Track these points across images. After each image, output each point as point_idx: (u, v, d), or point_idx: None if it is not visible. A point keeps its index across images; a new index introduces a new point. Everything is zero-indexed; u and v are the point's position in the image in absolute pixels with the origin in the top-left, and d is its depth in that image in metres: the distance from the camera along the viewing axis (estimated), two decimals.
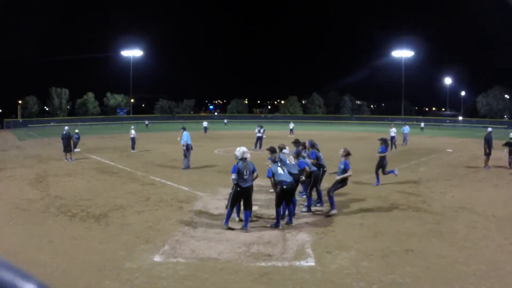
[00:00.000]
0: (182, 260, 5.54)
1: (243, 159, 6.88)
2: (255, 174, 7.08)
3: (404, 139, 23.69)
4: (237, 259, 5.60)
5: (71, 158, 16.64)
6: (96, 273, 5.10)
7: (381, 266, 5.35)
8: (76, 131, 20.20)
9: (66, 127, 17.52)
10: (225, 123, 56.67)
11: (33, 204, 8.95)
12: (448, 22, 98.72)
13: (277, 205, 7.10)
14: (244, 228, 6.88)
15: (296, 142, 9.18)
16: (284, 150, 8.15)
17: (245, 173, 6.76)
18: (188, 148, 14.19)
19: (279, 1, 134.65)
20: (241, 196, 6.88)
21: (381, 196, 9.74)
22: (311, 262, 5.48)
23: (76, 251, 5.95)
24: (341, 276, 5.03)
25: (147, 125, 50.68)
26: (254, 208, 7.85)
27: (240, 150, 6.99)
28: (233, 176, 6.76)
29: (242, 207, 7.44)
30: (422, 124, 45.43)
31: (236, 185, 6.81)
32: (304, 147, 9.06)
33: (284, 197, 7.13)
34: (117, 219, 7.68)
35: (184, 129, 14.81)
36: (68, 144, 16.68)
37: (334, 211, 7.96)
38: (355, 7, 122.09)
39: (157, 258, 5.62)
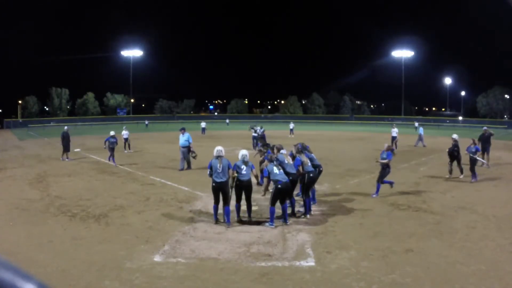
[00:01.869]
0: (182, 260, 5.54)
1: (218, 156, 7.37)
2: (254, 171, 7.54)
3: (420, 140, 23.00)
4: (237, 259, 5.60)
5: (67, 158, 16.67)
6: (96, 273, 5.10)
7: (381, 266, 5.36)
8: (112, 133, 15.49)
9: (66, 127, 17.71)
10: (227, 123, 55.93)
11: (33, 204, 8.95)
12: (448, 22, 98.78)
13: (271, 204, 7.20)
14: (227, 223, 7.16)
15: (266, 145, 9.31)
16: (282, 151, 8.18)
17: (218, 168, 7.21)
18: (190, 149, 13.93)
19: (279, 1, 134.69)
20: (217, 190, 7.25)
21: (381, 196, 9.73)
22: (311, 262, 5.48)
23: (76, 251, 5.95)
24: (341, 276, 5.03)
25: (147, 125, 50.22)
26: (254, 208, 7.88)
27: (216, 149, 7.57)
28: (208, 171, 7.39)
29: (243, 207, 7.54)
30: (416, 124, 45.64)
31: (212, 180, 7.27)
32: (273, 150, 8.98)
33: (279, 196, 7.23)
34: (117, 219, 7.68)
35: (184, 129, 14.44)
36: (68, 143, 16.79)
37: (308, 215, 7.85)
38: (355, 7, 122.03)
39: (157, 258, 5.62)
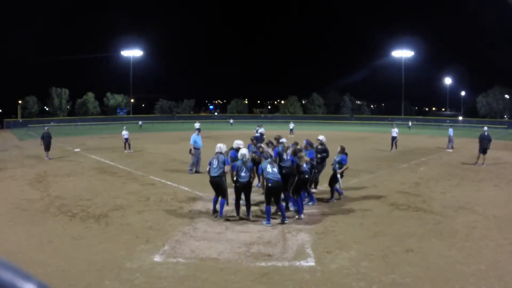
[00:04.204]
0: (182, 260, 5.54)
1: (217, 152, 7.81)
2: (254, 170, 7.78)
3: (450, 142, 21.55)
4: (237, 259, 5.60)
5: (47, 157, 16.86)
6: (96, 273, 5.10)
7: (381, 266, 5.35)
8: (237, 144, 9.16)
9: (46, 127, 18.04)
10: (231, 124, 54.58)
11: (33, 204, 8.94)
12: (448, 22, 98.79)
13: (266, 203, 7.29)
14: (219, 215, 7.48)
15: (270, 143, 9.31)
16: (281, 140, 8.74)
17: (214, 163, 7.65)
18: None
19: (279, 1, 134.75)
20: (212, 185, 7.70)
21: (381, 196, 9.73)
22: (311, 262, 5.48)
23: (76, 251, 5.95)
24: (341, 276, 5.03)
25: (140, 125, 48.05)
26: (254, 208, 7.88)
27: (217, 145, 7.97)
28: (208, 167, 7.80)
29: (243, 206, 7.57)
30: (410, 123, 45.73)
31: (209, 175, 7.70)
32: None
33: (270, 194, 7.29)
34: (117, 219, 7.68)
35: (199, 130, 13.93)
36: (49, 143, 17.07)
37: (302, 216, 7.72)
38: (355, 7, 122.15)
39: (157, 258, 5.62)
